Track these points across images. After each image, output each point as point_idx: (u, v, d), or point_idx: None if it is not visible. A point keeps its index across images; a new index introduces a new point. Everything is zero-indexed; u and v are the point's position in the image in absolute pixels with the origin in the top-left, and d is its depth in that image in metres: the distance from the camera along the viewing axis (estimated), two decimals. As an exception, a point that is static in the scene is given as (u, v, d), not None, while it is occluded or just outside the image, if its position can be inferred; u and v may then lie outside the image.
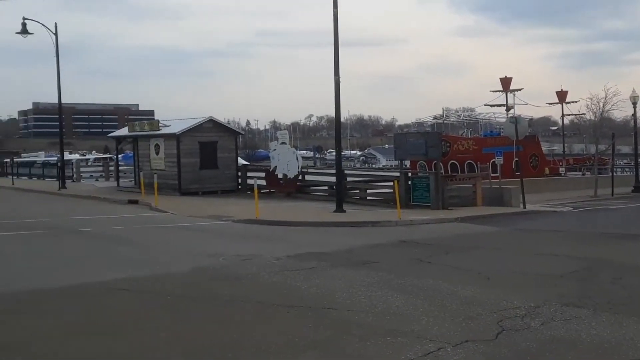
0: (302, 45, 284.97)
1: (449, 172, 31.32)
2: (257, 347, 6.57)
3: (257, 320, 7.64)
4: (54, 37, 33.13)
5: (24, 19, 32.45)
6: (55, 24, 33.08)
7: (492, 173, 25.50)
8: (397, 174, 23.18)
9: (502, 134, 32.40)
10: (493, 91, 50.72)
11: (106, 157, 68.30)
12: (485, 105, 51.89)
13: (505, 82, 49.31)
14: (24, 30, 33.06)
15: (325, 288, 9.28)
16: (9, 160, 48.08)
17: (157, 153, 29.03)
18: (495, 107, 50.63)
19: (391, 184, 23.20)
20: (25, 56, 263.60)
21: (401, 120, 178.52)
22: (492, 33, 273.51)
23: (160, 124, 29.19)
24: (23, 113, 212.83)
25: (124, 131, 34.06)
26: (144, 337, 7.01)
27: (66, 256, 12.54)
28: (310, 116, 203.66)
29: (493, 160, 25.83)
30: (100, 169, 46.02)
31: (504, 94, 49.55)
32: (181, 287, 9.45)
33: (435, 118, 52.71)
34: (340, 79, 19.81)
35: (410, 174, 23.15)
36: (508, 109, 47.20)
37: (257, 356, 6.33)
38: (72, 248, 13.68)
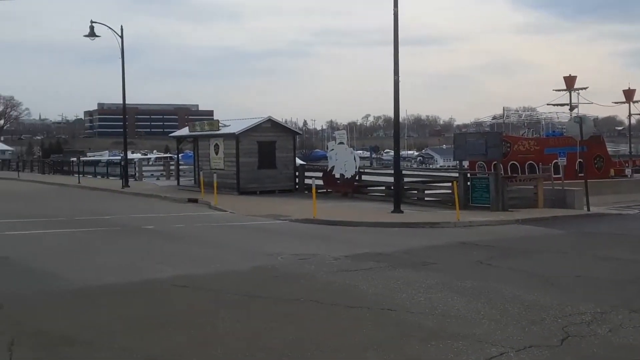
0: (360, 45, 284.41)
1: (509, 173, 30.69)
2: (317, 346, 6.58)
3: (316, 320, 7.66)
4: (119, 39, 34.08)
5: (92, 22, 33.52)
6: (121, 26, 34.00)
7: (554, 174, 24.87)
8: (456, 174, 22.88)
9: (565, 134, 31.55)
10: (556, 90, 49.41)
11: (167, 157, 69.90)
12: (547, 104, 50.63)
13: (569, 80, 47.99)
14: (92, 33, 34.13)
15: (384, 289, 9.23)
16: (75, 159, 49.69)
17: (217, 153, 29.47)
18: (558, 107, 49.33)
19: (449, 184, 22.93)
20: (91, 58, 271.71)
21: (459, 120, 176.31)
22: (555, 30, 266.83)
23: (220, 124, 29.61)
24: (89, 113, 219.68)
25: (184, 131, 34.71)
26: (205, 333, 7.11)
27: (130, 253, 12.85)
28: (367, 116, 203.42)
29: (555, 161, 25.17)
30: (161, 168, 47.08)
31: (568, 93, 48.22)
32: (241, 285, 9.55)
33: (494, 118, 51.72)
34: (400, 79, 19.66)
35: (469, 175, 22.78)
36: (572, 109, 45.88)
37: (317, 355, 6.34)
38: (135, 245, 14.00)
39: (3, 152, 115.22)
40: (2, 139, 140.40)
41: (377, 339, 6.83)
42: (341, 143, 27.05)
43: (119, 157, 71.71)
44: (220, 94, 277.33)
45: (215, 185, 23.88)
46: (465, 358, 6.19)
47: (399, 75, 19.71)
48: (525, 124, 47.70)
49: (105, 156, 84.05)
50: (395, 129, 20.69)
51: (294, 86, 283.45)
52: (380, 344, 6.67)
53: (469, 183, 21.39)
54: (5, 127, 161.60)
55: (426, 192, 24.62)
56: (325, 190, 27.03)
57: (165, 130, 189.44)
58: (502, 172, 24.69)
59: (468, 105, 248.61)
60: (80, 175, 41.53)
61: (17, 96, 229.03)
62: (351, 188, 26.27)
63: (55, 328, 7.20)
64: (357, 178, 26.51)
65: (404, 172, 27.19)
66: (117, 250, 13.14)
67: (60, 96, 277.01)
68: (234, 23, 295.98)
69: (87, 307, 8.31)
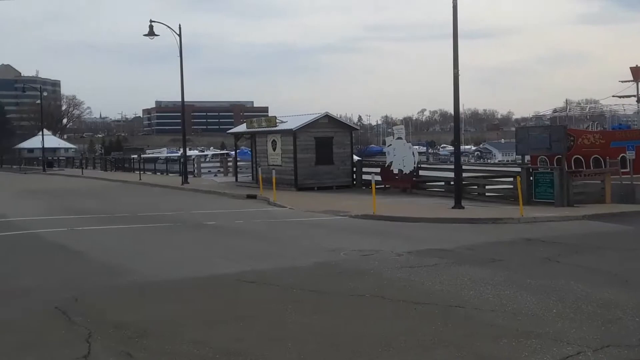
0: (414, 39, 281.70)
1: (573, 168, 29.87)
2: (386, 342, 6.53)
3: (383, 316, 7.61)
4: (177, 37, 34.65)
5: (151, 21, 34.19)
6: (179, 25, 34.52)
7: (622, 168, 24.06)
8: (517, 169, 22.39)
9: (633, 126, 30.48)
10: (622, 81, 47.77)
11: (223, 153, 70.88)
12: (613, 96, 48.99)
13: (637, 71, 46.31)
14: (151, 33, 34.82)
15: (450, 285, 9.11)
16: (136, 156, 50.87)
17: (274, 149, 29.68)
18: (624, 99, 47.65)
19: (511, 179, 22.49)
20: (149, 57, 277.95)
21: (518, 114, 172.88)
22: (617, 20, 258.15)
23: (277, 121, 29.81)
24: (147, 111, 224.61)
25: (242, 128, 35.07)
26: (274, 328, 7.16)
27: (194, 248, 13.07)
28: (422, 111, 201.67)
29: (623, 154, 24.35)
30: (218, 164, 47.76)
31: (635, 84, 46.55)
32: (305, 281, 9.58)
33: (555, 111, 50.41)
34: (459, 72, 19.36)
35: (532, 169, 22.27)
36: (639, 100, 44.26)
37: (387, 352, 6.29)
38: (198, 241, 14.23)
39: (67, 149, 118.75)
40: (65, 137, 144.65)
41: (446, 337, 6.74)
42: (399, 138, 26.85)
43: (177, 154, 73.26)
44: (274, 90, 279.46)
45: (274, 181, 24.05)
46: (540, 357, 6.04)
47: (459, 68, 19.42)
48: (588, 117, 46.32)
49: (163, 153, 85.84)
50: (455, 123, 20.41)
51: (348, 82, 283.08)
52: (451, 342, 6.57)
53: (531, 178, 20.91)
54: (68, 126, 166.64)
55: (487, 187, 24.19)
56: (383, 186, 26.87)
57: (221, 127, 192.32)
58: (566, 166, 24.04)
59: (526, 98, 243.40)
60: (141, 172, 42.50)
61: (79, 95, 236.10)
62: (410, 183, 26.06)
63: (129, 321, 7.36)
64: (415, 173, 26.27)
65: (462, 167, 26.80)
66: (182, 246, 13.38)
67: (119, 95, 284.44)
68: (286, 19, 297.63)
69: (158, 300, 8.49)
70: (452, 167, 22.97)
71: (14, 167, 72.94)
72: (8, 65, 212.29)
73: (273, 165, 28.71)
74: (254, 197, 25.13)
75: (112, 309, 8.01)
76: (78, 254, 12.15)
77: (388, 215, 18.01)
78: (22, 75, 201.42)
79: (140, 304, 8.32)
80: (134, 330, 7.03)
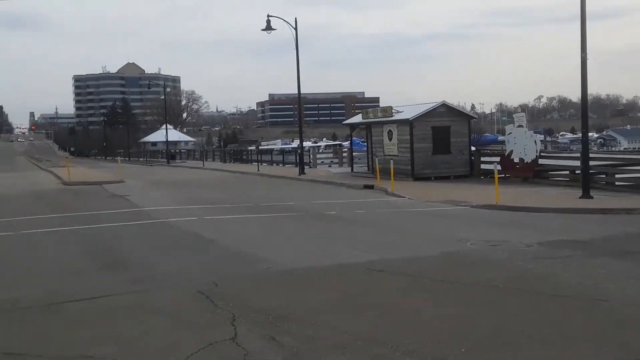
0: (527, 24, 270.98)
1: None
2: (529, 334, 6.41)
3: (520, 308, 7.46)
4: (293, 31, 35.28)
5: (268, 16, 35.02)
6: (295, 19, 35.16)
7: None
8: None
9: None
10: None
11: (336, 144, 71.58)
12: None
13: None
14: (268, 27, 35.68)
15: (587, 278, 8.78)
16: (253, 148, 52.45)
17: (390, 139, 29.64)
18: None
19: (643, 168, 21.24)
20: (262, 51, 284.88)
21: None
22: None
23: (393, 110, 29.75)
24: (260, 104, 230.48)
25: (357, 118, 35.26)
26: (408, 317, 7.19)
27: (320, 237, 13.34)
28: (539, 97, 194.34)
29: None
30: (331, 155, 48.31)
31: None
32: (434, 271, 9.55)
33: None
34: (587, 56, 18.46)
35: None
36: None
37: (529, 345, 6.17)
38: (322, 230, 14.52)
39: (186, 142, 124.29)
40: (185, 130, 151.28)
41: (591, 330, 6.53)
42: (520, 126, 26.02)
43: (290, 146, 74.83)
44: (384, 80, 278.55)
45: (392, 171, 24.04)
46: (698, 354, 5.72)
47: (587, 52, 18.52)
48: None
49: (278, 145, 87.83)
50: (583, 109, 19.50)
51: (459, 70, 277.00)
52: (596, 335, 6.36)
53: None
54: (187, 120, 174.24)
55: (616, 176, 22.97)
56: (503, 176, 26.16)
57: (332, 118, 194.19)
58: None
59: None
60: (259, 164, 43.74)
61: (198, 90, 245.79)
62: (531, 173, 25.22)
63: (268, 306, 7.65)
64: (537, 162, 25.39)
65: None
66: (307, 235, 13.70)
67: (234, 89, 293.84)
68: (395, 8, 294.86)
69: (293, 287, 8.76)
70: (575, 155, 22.01)
71: (140, 159, 77.26)
72: (133, 63, 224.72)
73: (389, 155, 28.68)
74: (371, 187, 25.24)
75: (251, 294, 8.35)
76: (211, 242, 12.74)
77: (512, 205, 17.55)
78: (145, 72, 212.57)
79: (277, 291, 8.62)
80: (275, 315, 7.30)
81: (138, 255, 11.70)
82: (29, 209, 20.83)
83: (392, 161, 25.08)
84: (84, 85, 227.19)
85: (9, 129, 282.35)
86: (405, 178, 27.30)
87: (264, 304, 7.80)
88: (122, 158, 64.74)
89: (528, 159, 25.19)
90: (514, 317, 7.08)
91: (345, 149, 45.25)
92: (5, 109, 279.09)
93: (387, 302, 7.90)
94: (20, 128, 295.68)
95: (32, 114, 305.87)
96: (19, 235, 14.42)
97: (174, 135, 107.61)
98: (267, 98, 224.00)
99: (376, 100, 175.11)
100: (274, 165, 46.97)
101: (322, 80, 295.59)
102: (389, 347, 6.15)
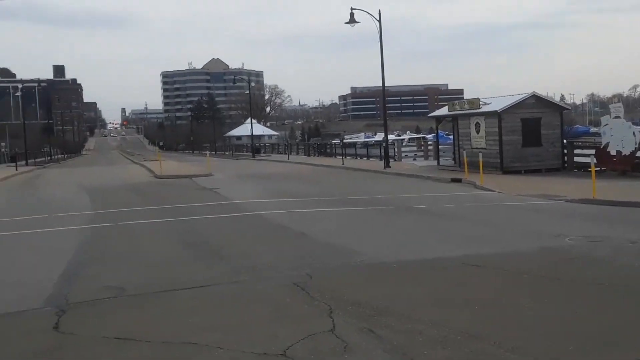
0: (619, 11, 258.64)
1: None
2: (641, 336, 6.12)
3: (632, 308, 7.11)
4: (376, 24, 35.09)
5: (352, 9, 34.96)
6: (379, 11, 34.96)
7: None
8: None
9: None
10: None
11: (420, 137, 70.80)
12: None
13: None
14: (352, 20, 35.66)
15: (702, 277, 8.29)
16: (337, 141, 52.65)
17: (478, 131, 29.03)
18: None
19: None
20: (344, 45, 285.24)
21: None
22: None
23: (480, 102, 29.11)
24: (342, 98, 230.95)
25: (443, 111, 34.73)
26: (509, 314, 7.02)
27: (411, 231, 13.23)
28: (635, 87, 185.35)
29: None
30: (415, 148, 47.84)
31: None
32: (533, 267, 9.26)
33: None
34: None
35: None
36: None
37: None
38: (412, 224, 14.38)
39: (270, 136, 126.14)
40: (268, 124, 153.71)
41: None
42: (617, 117, 24.88)
43: (373, 139, 74.56)
44: (468, 72, 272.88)
45: (481, 164, 23.55)
46: None
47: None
48: None
49: (361, 138, 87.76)
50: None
51: (547, 60, 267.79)
52: None
53: None
54: (270, 114, 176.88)
55: None
56: (598, 169, 25.11)
57: (415, 110, 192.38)
58: None
59: None
60: (343, 157, 43.85)
61: (280, 84, 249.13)
62: (629, 165, 24.10)
63: (364, 299, 7.64)
64: (635, 155, 24.22)
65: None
66: (398, 229, 13.61)
67: (316, 82, 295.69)
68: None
69: (388, 281, 8.71)
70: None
71: (226, 153, 79.10)
72: (217, 59, 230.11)
73: (477, 148, 28.11)
74: (458, 180, 24.81)
75: (346, 287, 8.36)
76: (302, 235, 12.86)
77: (610, 200, 16.80)
78: (229, 67, 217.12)
79: (371, 284, 8.60)
80: (371, 308, 7.28)
81: (233, 246, 11.96)
82: (125, 200, 21.73)
83: (480, 154, 24.56)
84: (171, 81, 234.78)
85: (103, 124, 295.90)
86: (494, 171, 26.67)
87: (359, 296, 7.80)
88: (210, 152, 66.43)
89: (626, 152, 24.08)
90: (623, 317, 6.77)
91: (430, 142, 44.71)
92: (99, 105, 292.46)
93: (486, 297, 7.73)
94: (112, 123, 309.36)
95: (123, 110, 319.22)
96: (119, 226, 15.05)
97: (258, 129, 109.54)
98: (349, 91, 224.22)
99: (460, 92, 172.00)
100: (358, 158, 46.95)
101: (405, 73, 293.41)
102: (490, 343, 6.01)
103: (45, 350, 6.26)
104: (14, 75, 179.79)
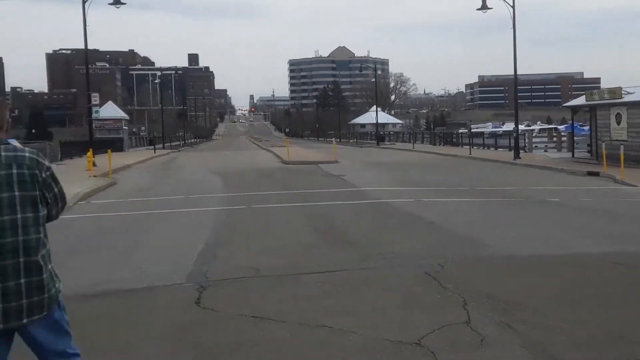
0: None
1: None
2: None
3: None
4: (509, 9, 33.88)
5: (485, -5, 33.98)
6: (514, -5, 33.66)
7: None
8: None
9: None
10: None
11: (551, 128, 67.79)
12: None
13: None
14: (484, 6, 34.72)
15: None
16: (465, 130, 51.55)
17: (619, 123, 27.35)
18: None
19: None
20: (471, 32, 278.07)
21: None
22: None
23: (622, 92, 27.39)
24: (469, 86, 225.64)
25: (580, 100, 33.03)
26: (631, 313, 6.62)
27: (545, 225, 12.69)
28: None
29: None
30: (546, 139, 45.85)
31: None
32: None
33: None
34: None
35: None
36: None
37: None
38: (546, 217, 13.78)
39: (394, 125, 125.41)
40: (392, 112, 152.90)
41: None
42: None
43: (501, 129, 72.24)
44: (606, 59, 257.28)
45: (621, 157, 22.20)
46: None
47: None
48: None
49: (488, 128, 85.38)
50: None
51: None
52: None
53: None
54: (395, 102, 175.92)
55: None
56: None
57: (546, 100, 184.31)
58: None
59: None
60: (470, 147, 42.86)
61: (406, 73, 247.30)
62: None
63: (498, 292, 7.45)
64: None
65: None
66: (531, 222, 13.13)
67: (442, 71, 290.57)
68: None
69: (523, 275, 8.42)
70: None
71: (351, 141, 79.73)
72: (343, 47, 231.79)
73: (617, 140, 26.52)
74: (596, 174, 23.53)
75: (479, 279, 8.19)
76: (432, 224, 12.72)
77: None
78: (355, 55, 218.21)
79: (503, 276, 8.37)
80: (506, 302, 7.08)
81: (361, 233, 12.03)
82: (255, 184, 22.49)
83: (622, 147, 23.13)
84: (297, 69, 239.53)
85: (232, 110, 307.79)
86: (636, 165, 25.00)
87: (493, 289, 7.61)
88: (335, 139, 67.21)
89: None
90: None
91: (564, 133, 42.71)
92: (229, 92, 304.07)
93: (632, 298, 7.30)
94: (241, 110, 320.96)
95: (251, 97, 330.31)
96: (251, 209, 15.60)
97: (383, 117, 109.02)
98: (476, 80, 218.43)
99: (597, 81, 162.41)
100: (485, 148, 45.73)
101: (535, 61, 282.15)
102: None
103: (191, 323, 6.62)
104: (153, 64, 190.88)
